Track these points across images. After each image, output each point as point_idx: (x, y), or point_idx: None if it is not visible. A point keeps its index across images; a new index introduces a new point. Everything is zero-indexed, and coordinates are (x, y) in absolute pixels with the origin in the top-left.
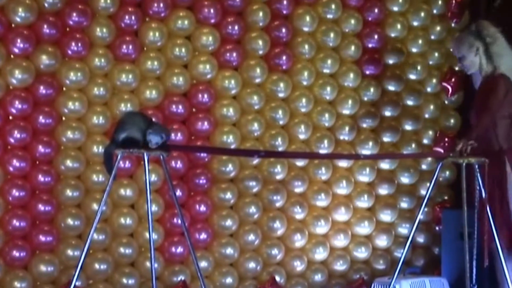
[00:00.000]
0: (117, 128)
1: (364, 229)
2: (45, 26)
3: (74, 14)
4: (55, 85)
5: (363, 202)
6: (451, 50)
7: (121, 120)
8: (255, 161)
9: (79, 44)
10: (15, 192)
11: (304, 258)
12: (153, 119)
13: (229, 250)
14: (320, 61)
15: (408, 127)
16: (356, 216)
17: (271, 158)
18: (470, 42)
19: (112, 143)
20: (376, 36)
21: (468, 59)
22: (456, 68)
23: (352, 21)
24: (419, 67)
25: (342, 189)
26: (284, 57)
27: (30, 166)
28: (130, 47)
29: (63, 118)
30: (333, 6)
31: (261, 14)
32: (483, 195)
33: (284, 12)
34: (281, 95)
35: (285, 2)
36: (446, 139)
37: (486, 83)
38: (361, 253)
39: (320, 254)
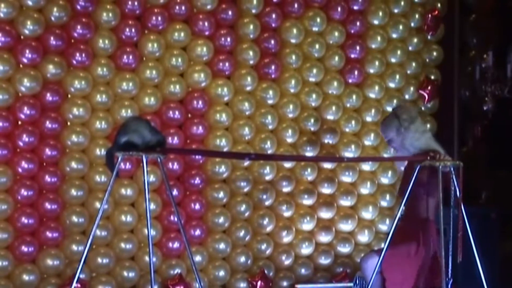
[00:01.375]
0: (120, 132)
1: (347, 226)
2: (52, 38)
3: (79, 27)
4: (61, 93)
5: (346, 201)
6: (397, 112)
7: (125, 124)
8: (246, 163)
9: (83, 55)
10: (24, 192)
11: (291, 252)
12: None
13: (222, 245)
14: (306, 70)
15: None
16: (339, 214)
17: (261, 160)
18: (396, 126)
19: (114, 145)
20: (358, 47)
21: (396, 142)
22: (432, 77)
23: (336, 34)
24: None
25: (326, 189)
26: (273, 67)
27: (38, 167)
28: (130, 57)
29: (68, 123)
30: (318, 20)
31: (251, 27)
32: (458, 194)
33: (273, 25)
34: (270, 102)
35: (274, 16)
36: None
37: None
38: (344, 248)
39: (306, 249)
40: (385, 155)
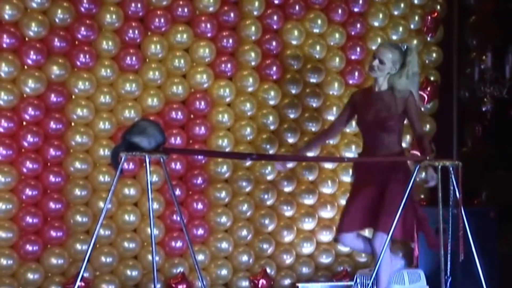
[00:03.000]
0: (132, 130)
1: None
2: (56, 40)
3: (83, 29)
4: (65, 94)
5: None
6: (379, 47)
7: (141, 125)
8: (248, 163)
9: (87, 56)
10: (28, 191)
11: (292, 252)
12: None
13: (224, 245)
14: (308, 71)
15: None
16: (340, 213)
17: (262, 160)
18: (398, 58)
19: (123, 143)
20: (358, 49)
21: (387, 66)
22: (432, 78)
23: (337, 35)
24: None
25: (327, 189)
26: (274, 68)
27: (42, 167)
28: (134, 58)
29: (72, 124)
30: (319, 22)
31: (253, 28)
32: (458, 194)
33: (275, 27)
34: (271, 102)
35: (275, 18)
36: None
37: (397, 103)
38: (345, 247)
39: (307, 248)
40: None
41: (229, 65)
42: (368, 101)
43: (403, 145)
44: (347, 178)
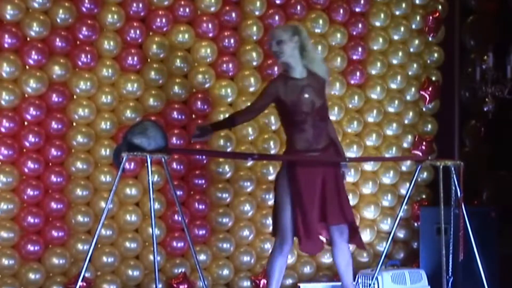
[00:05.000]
0: (133, 131)
1: None
2: (57, 40)
3: (84, 29)
4: (66, 94)
5: None
6: (270, 34)
7: (142, 126)
8: (249, 163)
9: (89, 56)
10: (30, 191)
11: (294, 251)
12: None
13: (226, 245)
14: None
15: (389, 132)
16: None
17: (264, 160)
18: (292, 32)
19: (124, 142)
20: (360, 49)
21: (289, 45)
22: (433, 78)
23: (338, 35)
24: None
25: None
26: (276, 68)
27: (44, 167)
28: (135, 58)
29: (74, 124)
30: (320, 22)
31: (254, 28)
32: (459, 194)
33: None
34: None
35: (276, 18)
36: (424, 143)
37: (322, 86)
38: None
39: None
40: (387, 155)
41: (230, 65)
42: (296, 90)
43: (404, 145)
44: (349, 178)
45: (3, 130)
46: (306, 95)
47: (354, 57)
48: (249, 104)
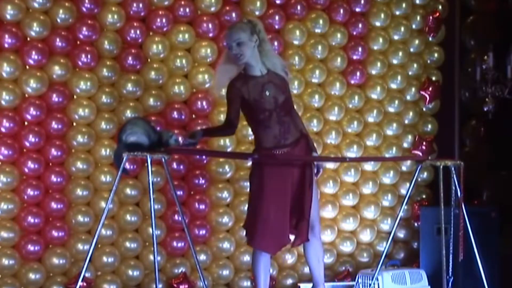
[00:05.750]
0: (125, 131)
1: (349, 225)
2: (58, 40)
3: (84, 29)
4: (66, 94)
5: (348, 200)
6: (227, 35)
7: (130, 123)
8: (250, 163)
9: (89, 56)
10: (30, 191)
11: (294, 251)
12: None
13: (226, 245)
14: (309, 71)
15: (389, 132)
16: (342, 213)
17: (264, 160)
18: (250, 30)
19: (120, 144)
20: (360, 49)
21: (248, 46)
22: (433, 78)
23: (339, 35)
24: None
25: (329, 189)
26: None
27: (44, 167)
28: (135, 58)
29: (74, 124)
30: (321, 22)
31: None
32: (459, 194)
33: (276, 27)
34: None
35: (277, 18)
36: (424, 143)
37: (283, 80)
38: (347, 247)
39: None
40: (387, 155)
41: None
42: (257, 88)
43: (405, 145)
44: (349, 178)
45: (3, 130)
46: (268, 92)
47: (354, 57)
48: (224, 117)
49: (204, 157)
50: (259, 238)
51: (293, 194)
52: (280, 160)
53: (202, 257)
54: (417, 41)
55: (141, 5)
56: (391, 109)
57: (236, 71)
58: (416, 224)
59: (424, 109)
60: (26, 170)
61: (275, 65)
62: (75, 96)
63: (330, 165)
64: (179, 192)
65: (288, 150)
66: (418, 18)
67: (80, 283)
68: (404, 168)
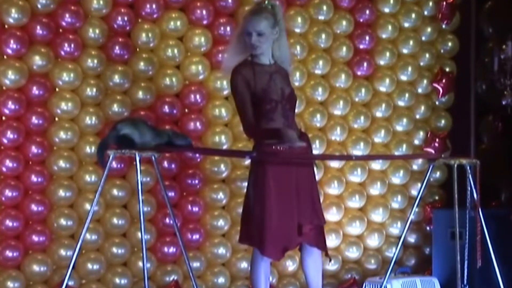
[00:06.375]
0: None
1: (355, 229)
2: (38, 27)
3: (67, 15)
4: (47, 86)
5: (355, 202)
6: (248, 21)
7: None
8: (247, 161)
9: (72, 45)
10: (8, 193)
11: (295, 258)
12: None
13: (221, 250)
14: (312, 62)
15: (399, 127)
16: (347, 216)
17: (263, 158)
18: (273, 23)
19: (110, 135)
20: (367, 37)
21: (268, 38)
22: (447, 69)
23: (344, 23)
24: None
25: (333, 189)
26: None
27: (23, 166)
28: (123, 48)
29: (56, 119)
30: (324, 8)
31: None
32: (475, 195)
33: None
34: None
35: (277, 3)
36: (437, 140)
37: (286, 75)
38: (353, 253)
39: None
40: (397, 153)
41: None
42: (265, 77)
43: (416, 142)
44: (355, 178)
45: None
46: (276, 82)
47: (361, 46)
48: (243, 114)
49: (197, 155)
50: (263, 243)
51: (297, 194)
52: (281, 158)
53: (196, 264)
54: (429, 29)
55: None
56: (401, 103)
57: (245, 56)
58: (428, 228)
59: (437, 102)
60: (4, 169)
61: (284, 59)
62: (57, 89)
63: (334, 164)
64: (171, 193)
65: (290, 146)
66: (431, 3)
67: None
68: (415, 167)
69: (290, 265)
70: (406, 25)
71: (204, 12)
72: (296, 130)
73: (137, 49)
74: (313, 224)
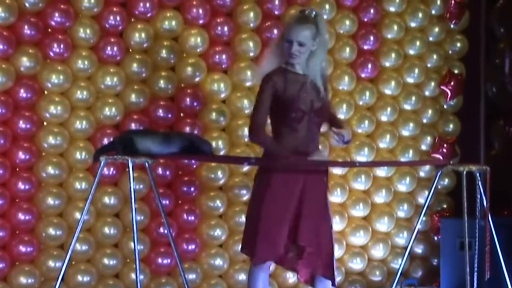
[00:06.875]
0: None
1: (359, 239)
2: (26, 27)
3: (56, 14)
4: (36, 89)
5: (359, 211)
6: (292, 29)
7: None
8: (245, 168)
9: (61, 46)
10: None
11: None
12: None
13: (218, 261)
14: None
15: (405, 132)
16: (351, 225)
17: (262, 165)
18: (315, 34)
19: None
20: (372, 38)
21: (308, 45)
22: (455, 71)
23: (347, 22)
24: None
25: (336, 197)
26: None
27: (10, 173)
28: (115, 48)
29: (44, 123)
30: (327, 6)
31: (252, 14)
32: (485, 203)
33: (276, 12)
34: None
35: (277, 2)
36: (445, 145)
37: (319, 91)
38: (356, 264)
39: None
40: (402, 159)
41: (224, 56)
42: (296, 85)
43: (423, 147)
44: (359, 186)
45: None
46: (306, 93)
47: (365, 47)
48: (255, 114)
49: (193, 161)
50: (258, 247)
51: (297, 207)
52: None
53: (191, 275)
54: (437, 29)
55: None
56: (407, 107)
57: (281, 63)
58: (435, 238)
59: (445, 106)
60: None
61: (311, 73)
62: (45, 92)
63: (337, 171)
64: (165, 201)
65: (304, 158)
66: (438, 2)
67: None
68: (422, 174)
69: (291, 277)
70: (413, 24)
71: (200, 11)
72: (316, 146)
73: (130, 50)
74: (316, 248)
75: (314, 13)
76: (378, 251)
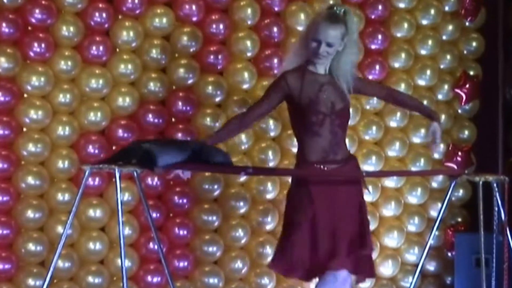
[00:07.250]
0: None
1: None
2: (4, 25)
3: (37, 11)
4: (14, 92)
5: None
6: (321, 29)
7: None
8: (242, 178)
9: (42, 45)
10: None
11: None
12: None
13: (213, 280)
14: None
15: (416, 139)
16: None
17: (261, 175)
18: (343, 34)
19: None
20: (380, 36)
21: (336, 45)
22: (471, 73)
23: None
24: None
25: None
26: (275, 60)
27: None
28: (101, 48)
29: (24, 129)
30: (331, 3)
31: (249, 11)
32: (503, 217)
33: (276, 9)
34: None
35: None
36: (460, 153)
37: (343, 91)
38: (363, 283)
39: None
40: (413, 169)
41: (219, 57)
42: (314, 86)
43: (435, 156)
44: (366, 197)
45: None
46: (326, 94)
47: (373, 47)
48: (252, 105)
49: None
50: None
51: (336, 220)
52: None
53: None
54: (450, 27)
55: None
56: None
57: (302, 61)
58: (449, 254)
59: (459, 111)
60: None
61: (340, 74)
62: (25, 95)
63: None
64: (155, 214)
65: (338, 167)
66: None
67: None
68: (434, 185)
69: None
70: (424, 22)
71: (193, 7)
72: (344, 150)
73: (117, 50)
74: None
75: (344, 10)
76: (387, 269)
